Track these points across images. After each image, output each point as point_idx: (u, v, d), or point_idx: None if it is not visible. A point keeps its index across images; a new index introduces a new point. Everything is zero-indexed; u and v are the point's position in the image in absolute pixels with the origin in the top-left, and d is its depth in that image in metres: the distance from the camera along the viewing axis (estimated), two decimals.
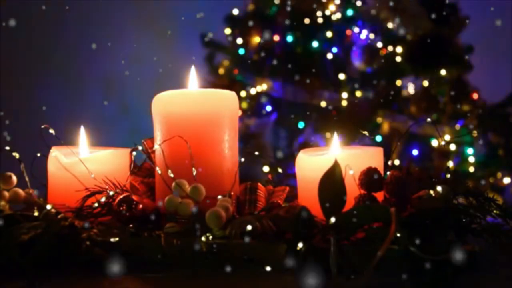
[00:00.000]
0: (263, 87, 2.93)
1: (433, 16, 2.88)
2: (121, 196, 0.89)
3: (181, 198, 0.86)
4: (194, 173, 0.90)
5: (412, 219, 0.81)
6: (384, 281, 0.74)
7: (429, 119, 1.12)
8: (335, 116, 2.79)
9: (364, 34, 2.85)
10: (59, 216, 0.86)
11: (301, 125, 2.88)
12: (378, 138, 2.75)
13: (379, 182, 0.86)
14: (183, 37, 3.27)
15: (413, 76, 2.89)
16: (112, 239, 0.83)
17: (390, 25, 2.86)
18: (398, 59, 2.84)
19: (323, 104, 2.85)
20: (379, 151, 0.94)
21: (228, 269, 0.78)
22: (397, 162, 2.67)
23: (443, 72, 2.85)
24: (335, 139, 0.95)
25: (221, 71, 3.04)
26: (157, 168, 0.93)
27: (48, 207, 0.88)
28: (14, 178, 0.97)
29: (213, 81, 2.97)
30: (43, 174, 0.99)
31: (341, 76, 2.84)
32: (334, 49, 2.87)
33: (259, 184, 0.97)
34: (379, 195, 0.88)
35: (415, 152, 2.81)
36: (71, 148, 0.99)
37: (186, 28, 3.21)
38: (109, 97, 3.31)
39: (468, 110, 2.90)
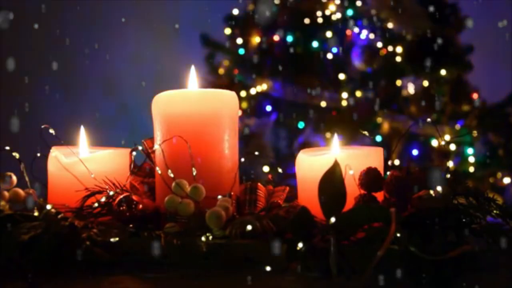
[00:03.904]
0: (263, 87, 2.93)
1: (433, 16, 2.88)
2: (121, 196, 0.89)
3: (181, 198, 0.86)
4: (194, 173, 0.90)
5: (412, 219, 0.81)
6: (384, 281, 0.74)
7: (429, 119, 1.12)
8: (335, 116, 2.79)
9: (364, 34, 2.85)
10: (59, 216, 0.87)
11: (301, 125, 2.88)
12: (378, 138, 2.75)
13: (379, 182, 0.86)
14: (183, 37, 3.27)
15: (413, 76, 2.89)
16: (112, 239, 0.83)
17: (390, 25, 2.86)
18: (398, 59, 2.84)
19: (323, 104, 2.85)
20: (379, 151, 0.94)
21: (228, 269, 0.78)
22: (397, 162, 2.67)
23: (443, 72, 2.85)
24: (335, 139, 0.95)
25: (221, 71, 3.04)
26: (157, 168, 0.93)
27: (48, 207, 0.88)
28: (14, 178, 0.97)
29: (213, 81, 2.97)
30: (43, 174, 0.99)
31: (341, 76, 2.84)
32: (334, 49, 2.87)
33: (259, 184, 0.97)
34: (379, 195, 0.88)
35: (415, 152, 2.81)
36: (71, 148, 0.99)
37: (186, 28, 3.20)
38: (109, 97, 3.31)
39: (468, 110, 2.91)
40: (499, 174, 2.87)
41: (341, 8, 2.89)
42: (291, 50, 2.89)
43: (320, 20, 2.88)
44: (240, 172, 0.98)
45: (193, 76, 1.01)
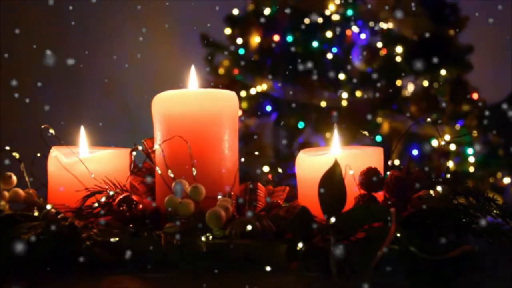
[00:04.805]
0: (263, 87, 2.93)
1: (433, 16, 2.88)
2: (121, 196, 0.89)
3: (181, 198, 0.86)
4: (194, 173, 0.90)
5: (412, 219, 0.81)
6: (384, 281, 0.74)
7: (429, 119, 1.12)
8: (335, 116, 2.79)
9: (364, 34, 2.85)
10: (59, 216, 0.87)
11: (301, 125, 2.88)
12: (378, 138, 2.75)
13: (379, 182, 0.86)
14: (183, 37, 3.27)
15: (413, 76, 2.89)
16: (112, 239, 0.83)
17: (390, 25, 2.86)
18: (398, 59, 2.84)
19: (323, 104, 2.85)
20: (379, 151, 0.94)
21: (228, 269, 0.78)
22: (397, 162, 2.67)
23: (443, 72, 2.85)
24: (335, 139, 0.95)
25: (221, 71, 3.04)
26: (157, 168, 0.93)
27: (48, 207, 0.88)
28: (14, 178, 0.97)
29: (213, 81, 2.97)
30: (43, 174, 0.99)
31: (341, 76, 2.84)
32: (334, 49, 2.87)
33: (259, 184, 0.97)
34: (379, 195, 0.88)
35: (415, 152, 2.81)
36: (71, 148, 0.99)
37: (186, 28, 3.21)
38: (110, 97, 3.31)
39: (468, 110, 2.91)
40: (499, 174, 2.87)
41: (341, 8, 2.89)
42: (291, 50, 2.89)
43: (320, 20, 2.88)
44: (240, 172, 0.98)
45: (193, 76, 1.01)
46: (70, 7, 3.26)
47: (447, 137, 2.69)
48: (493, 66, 3.16)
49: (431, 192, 0.86)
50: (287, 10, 2.88)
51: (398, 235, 0.74)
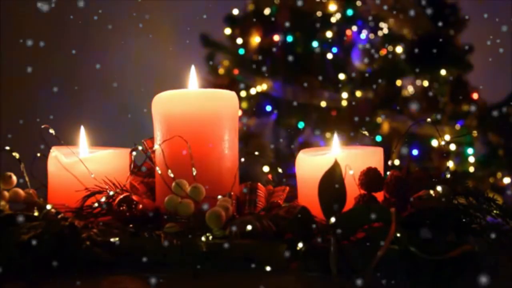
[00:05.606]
0: (263, 87, 2.93)
1: (433, 16, 2.88)
2: (121, 196, 0.89)
3: (181, 198, 0.86)
4: (194, 173, 0.90)
5: (412, 219, 0.81)
6: (384, 281, 0.74)
7: (429, 119, 1.12)
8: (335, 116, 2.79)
9: (364, 34, 2.85)
10: (59, 216, 0.87)
11: (301, 125, 2.88)
12: (378, 138, 2.75)
13: (379, 182, 0.86)
14: (183, 37, 3.27)
15: (413, 76, 2.89)
16: (112, 239, 0.83)
17: (390, 25, 2.86)
18: (398, 59, 2.84)
19: (323, 104, 2.85)
20: (379, 151, 0.94)
21: (229, 269, 0.78)
22: (397, 162, 2.67)
23: (443, 72, 2.85)
24: (335, 139, 0.95)
25: (221, 71, 3.04)
26: (157, 168, 0.93)
27: (48, 207, 0.88)
28: (14, 178, 0.97)
29: (213, 81, 2.97)
30: (43, 174, 0.99)
31: (341, 76, 2.84)
32: (334, 49, 2.87)
33: (259, 184, 0.97)
34: (379, 195, 0.88)
35: (415, 152, 2.81)
36: (71, 148, 0.99)
37: (186, 28, 3.21)
38: (109, 97, 3.31)
39: (468, 110, 2.91)
40: (499, 174, 2.87)
41: (341, 8, 2.89)
42: (291, 50, 2.89)
43: (320, 20, 2.88)
44: (240, 172, 0.98)
45: (193, 76, 1.01)
46: (70, 7, 3.26)
47: (447, 137, 2.69)
48: (493, 66, 3.16)
49: (431, 192, 0.86)
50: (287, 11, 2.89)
51: (398, 235, 0.74)
